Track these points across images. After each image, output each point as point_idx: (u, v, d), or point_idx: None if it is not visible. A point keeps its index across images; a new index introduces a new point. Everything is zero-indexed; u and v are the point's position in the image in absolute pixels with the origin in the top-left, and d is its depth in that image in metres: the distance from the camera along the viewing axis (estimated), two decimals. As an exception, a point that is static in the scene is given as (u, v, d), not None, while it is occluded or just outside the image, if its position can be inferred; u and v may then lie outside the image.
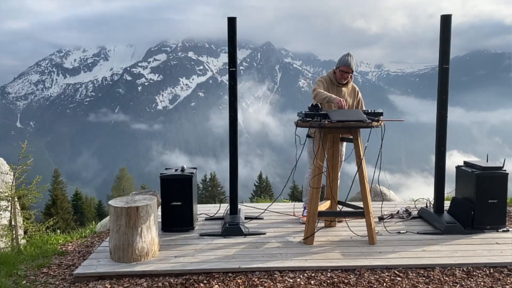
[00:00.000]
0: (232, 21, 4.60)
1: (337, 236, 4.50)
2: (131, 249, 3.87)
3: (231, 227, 4.55)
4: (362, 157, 4.25)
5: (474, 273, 3.67)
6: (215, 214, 5.26)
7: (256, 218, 5.10)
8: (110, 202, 3.99)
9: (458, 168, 4.92)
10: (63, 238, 5.15)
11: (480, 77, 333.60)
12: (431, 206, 5.07)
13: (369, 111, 4.22)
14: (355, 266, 3.75)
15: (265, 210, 5.32)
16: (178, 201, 4.64)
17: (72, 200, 31.01)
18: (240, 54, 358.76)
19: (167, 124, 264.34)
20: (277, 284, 3.54)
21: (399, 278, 3.60)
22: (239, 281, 3.60)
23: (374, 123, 4.07)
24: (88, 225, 6.04)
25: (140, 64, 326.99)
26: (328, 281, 3.58)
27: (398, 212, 5.18)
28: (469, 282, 3.53)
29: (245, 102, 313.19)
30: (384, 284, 3.52)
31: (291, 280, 3.59)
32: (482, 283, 3.51)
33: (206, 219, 5.16)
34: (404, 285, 3.51)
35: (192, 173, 4.75)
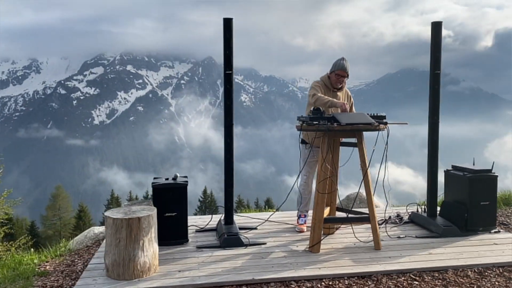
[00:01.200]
0: (228, 22, 4.42)
1: (340, 243, 4.39)
2: (133, 265, 3.52)
3: (230, 238, 4.31)
4: (366, 161, 4.20)
5: (486, 273, 3.71)
6: (206, 225, 4.97)
7: (251, 228, 4.88)
8: (107, 214, 3.62)
9: (447, 172, 5.02)
10: (37, 257, 4.63)
11: (411, 93, 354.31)
12: (423, 210, 5.13)
13: (373, 114, 4.19)
14: (370, 272, 3.66)
15: (266, 220, 5.09)
16: (172, 212, 4.32)
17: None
18: (181, 68, 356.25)
19: (104, 140, 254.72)
20: (296, 294, 3.36)
21: (416, 282, 3.55)
22: (253, 293, 3.38)
23: (381, 126, 4.05)
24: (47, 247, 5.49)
25: (75, 78, 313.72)
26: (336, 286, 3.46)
27: (390, 218, 5.18)
28: (484, 283, 3.55)
29: (186, 117, 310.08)
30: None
31: (307, 290, 3.42)
32: (496, 283, 3.54)
33: (197, 231, 4.86)
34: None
35: (186, 181, 4.46)
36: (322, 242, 4.30)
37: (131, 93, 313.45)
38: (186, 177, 4.70)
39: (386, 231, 4.63)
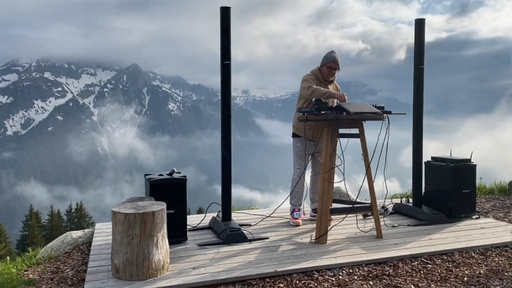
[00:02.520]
0: (225, 12, 4.28)
1: (340, 234, 4.40)
2: (147, 263, 3.25)
3: (233, 234, 4.14)
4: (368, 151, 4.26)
5: (488, 253, 3.91)
6: (199, 224, 4.75)
7: (245, 225, 4.74)
8: (115, 209, 3.31)
9: (428, 163, 5.25)
10: (13, 266, 4.13)
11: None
12: (406, 201, 5.31)
13: (374, 105, 4.28)
14: (386, 258, 3.70)
15: (268, 216, 4.98)
16: (171, 209, 4.07)
17: None
18: (104, 76, 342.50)
19: (19, 151, 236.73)
20: (323, 283, 3.30)
21: (429, 265, 3.65)
22: (280, 285, 3.27)
23: (384, 115, 4.14)
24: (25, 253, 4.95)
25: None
26: (370, 274, 3.46)
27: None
28: (489, 262, 3.74)
29: (110, 126, 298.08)
30: (421, 271, 3.53)
31: (333, 278, 3.38)
32: (500, 262, 3.75)
33: (190, 230, 4.62)
34: (439, 270, 3.56)
35: (185, 176, 4.24)
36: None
37: (49, 101, 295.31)
38: (179, 173, 4.46)
39: (384, 221, 4.72)
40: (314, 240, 4.12)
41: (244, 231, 4.23)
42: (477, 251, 3.93)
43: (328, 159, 4.14)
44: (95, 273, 3.42)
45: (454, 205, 4.90)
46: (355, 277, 3.41)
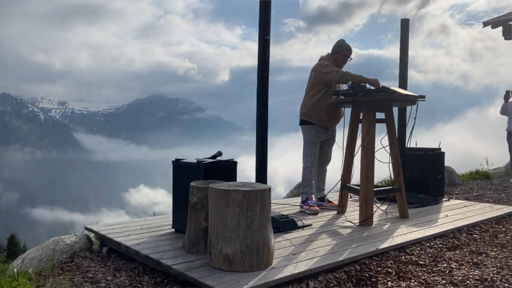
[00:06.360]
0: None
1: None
2: (267, 250, 2.76)
3: (286, 221, 3.81)
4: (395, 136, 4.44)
5: (499, 223, 4.45)
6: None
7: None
8: (218, 187, 2.73)
9: (406, 153, 5.70)
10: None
11: (161, 118, 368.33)
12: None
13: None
14: (442, 232, 3.90)
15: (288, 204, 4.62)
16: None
17: None
18: None
19: None
20: (421, 256, 3.31)
21: (476, 235, 3.98)
22: (389, 261, 3.16)
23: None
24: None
25: None
26: (447, 244, 3.65)
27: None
28: (504, 228, 4.26)
29: None
30: (484, 239, 3.85)
31: (428, 250, 3.44)
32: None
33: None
34: (479, 239, 3.90)
35: (233, 159, 3.74)
36: (355, 218, 4.27)
37: None
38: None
39: (386, 210, 4.85)
40: (358, 224, 4.07)
41: (295, 218, 3.94)
42: (484, 225, 4.35)
43: (368, 143, 4.16)
44: (188, 270, 2.73)
45: (432, 189, 5.44)
46: (440, 248, 3.52)
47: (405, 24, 5.40)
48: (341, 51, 4.80)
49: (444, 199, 5.60)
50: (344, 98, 4.23)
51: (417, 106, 4.35)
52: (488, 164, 9.78)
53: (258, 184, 3.00)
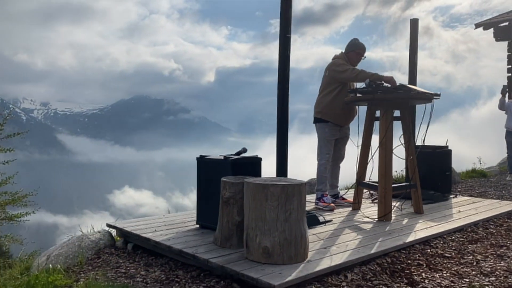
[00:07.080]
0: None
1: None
2: (303, 242, 2.80)
3: (310, 217, 3.84)
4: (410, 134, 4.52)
5: (510, 220, 4.57)
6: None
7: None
8: (255, 181, 2.76)
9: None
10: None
11: (146, 119, 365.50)
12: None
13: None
14: (460, 226, 3.99)
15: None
16: (249, 191, 3.56)
17: None
18: None
19: None
20: (446, 249, 3.39)
21: (491, 229, 4.08)
22: (417, 255, 3.23)
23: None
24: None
25: None
26: (468, 238, 3.73)
27: (372, 195, 5.58)
28: (521, 222, 4.39)
29: None
30: (490, 234, 3.94)
31: (450, 243, 3.51)
32: (524, 223, 4.42)
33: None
34: (496, 232, 4.00)
35: (258, 156, 3.77)
36: (373, 213, 4.34)
37: None
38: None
39: (400, 206, 4.95)
40: (377, 220, 4.13)
41: (317, 214, 3.99)
42: (498, 220, 4.48)
43: (386, 140, 4.23)
44: (230, 263, 2.76)
45: (441, 185, 5.54)
46: (460, 242, 3.60)
47: (414, 24, 5.50)
48: (355, 49, 4.87)
49: (452, 196, 5.71)
50: (362, 96, 4.29)
51: (433, 104, 4.43)
52: (481, 163, 10.02)
53: (292, 179, 3.04)
